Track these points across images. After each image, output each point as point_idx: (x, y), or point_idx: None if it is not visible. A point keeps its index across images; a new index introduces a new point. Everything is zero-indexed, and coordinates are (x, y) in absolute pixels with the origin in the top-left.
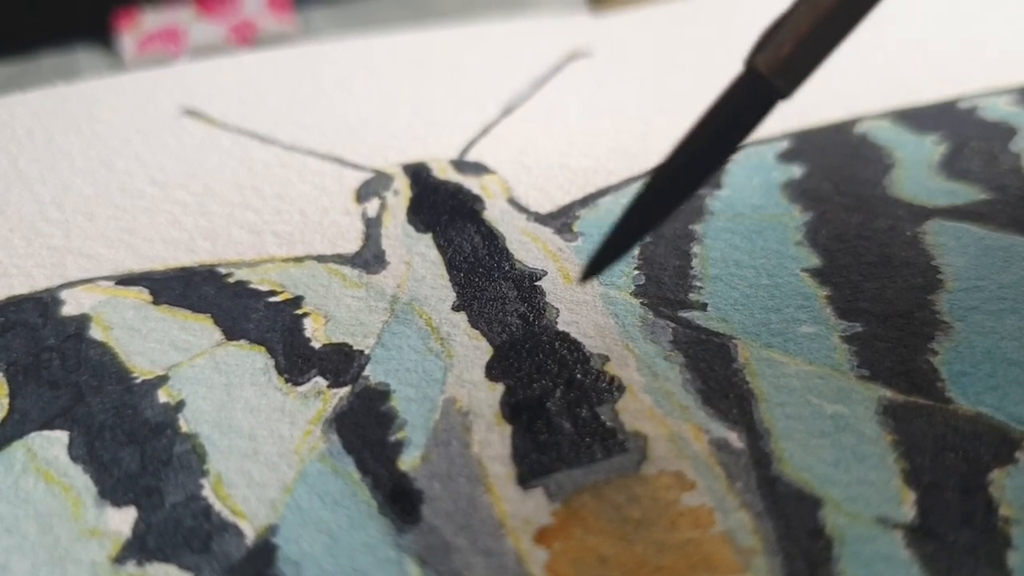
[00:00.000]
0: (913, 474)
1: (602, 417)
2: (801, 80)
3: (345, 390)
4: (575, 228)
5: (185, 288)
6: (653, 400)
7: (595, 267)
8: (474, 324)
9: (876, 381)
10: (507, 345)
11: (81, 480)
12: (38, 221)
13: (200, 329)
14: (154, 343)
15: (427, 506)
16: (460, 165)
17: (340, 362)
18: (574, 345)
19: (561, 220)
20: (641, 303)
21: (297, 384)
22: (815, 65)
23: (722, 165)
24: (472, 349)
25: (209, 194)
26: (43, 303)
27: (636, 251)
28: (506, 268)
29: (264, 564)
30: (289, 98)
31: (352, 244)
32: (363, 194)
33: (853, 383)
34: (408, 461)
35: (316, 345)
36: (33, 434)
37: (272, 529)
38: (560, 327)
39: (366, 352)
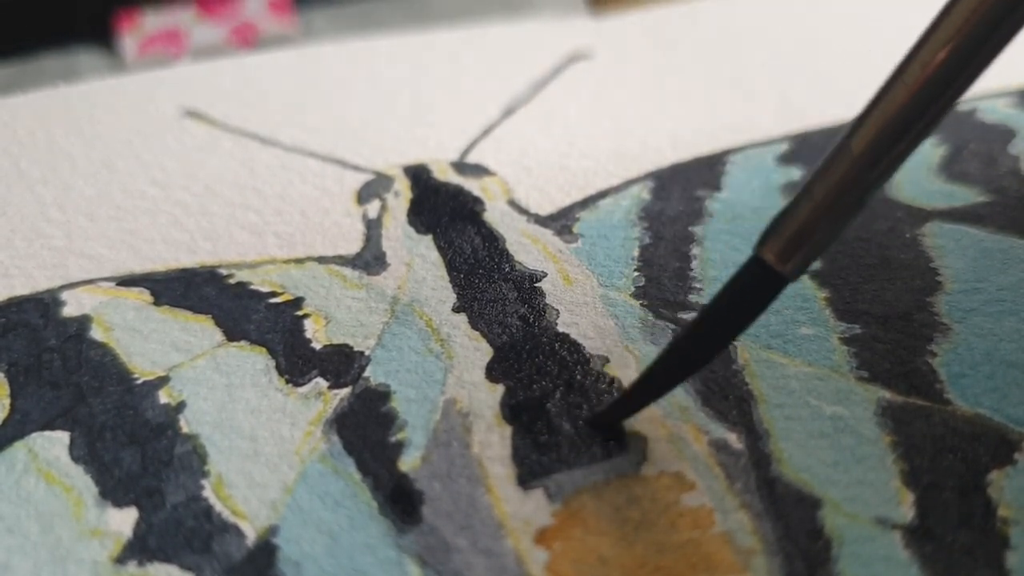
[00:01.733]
0: (912, 475)
1: None
2: (806, 267)
3: (346, 391)
4: (575, 230)
5: (186, 289)
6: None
7: (599, 425)
8: (474, 325)
9: (875, 382)
10: (507, 346)
11: (82, 480)
12: (39, 222)
13: (201, 330)
14: (155, 344)
15: (427, 507)
16: (460, 167)
17: (341, 363)
18: (574, 346)
19: (561, 222)
20: (641, 304)
21: (298, 385)
22: (819, 253)
23: (728, 345)
24: (472, 350)
25: (210, 195)
26: (44, 304)
27: (636, 253)
28: (506, 269)
29: (265, 565)
30: (290, 100)
31: (353, 245)
32: (364, 196)
33: (852, 384)
34: (408, 462)
35: (317, 346)
36: (34, 434)
37: (273, 530)
38: (560, 328)
39: (367, 353)
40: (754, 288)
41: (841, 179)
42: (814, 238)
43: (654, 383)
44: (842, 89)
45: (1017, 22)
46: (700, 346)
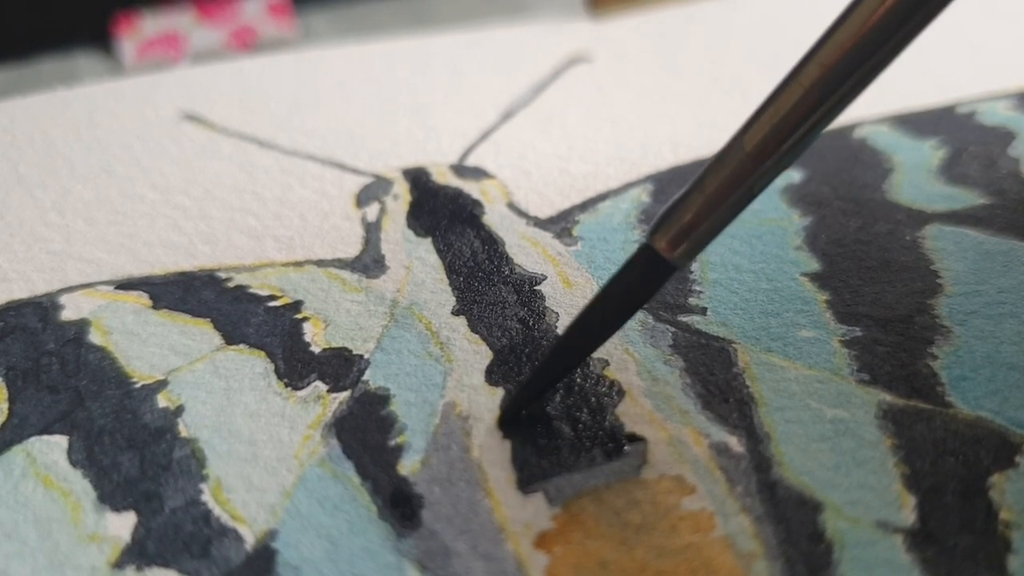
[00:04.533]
0: (913, 478)
1: (603, 422)
2: (693, 256)
3: (345, 394)
4: (574, 233)
5: (185, 293)
6: (653, 404)
7: (505, 417)
8: (474, 328)
9: (876, 385)
10: (507, 349)
11: (80, 485)
12: (38, 226)
13: (200, 334)
14: (154, 348)
15: (427, 510)
16: (460, 170)
17: (340, 366)
18: None
19: (561, 225)
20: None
21: (297, 389)
22: (706, 243)
23: (619, 328)
24: (472, 353)
25: (209, 199)
26: (43, 307)
27: None
28: (506, 272)
29: (264, 569)
30: (289, 103)
31: (352, 249)
32: (363, 199)
33: (853, 387)
34: (408, 465)
35: (316, 350)
36: (33, 439)
37: (272, 534)
38: (560, 331)
39: (366, 356)
40: (644, 275)
41: (731, 174)
42: (702, 229)
43: (549, 370)
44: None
45: (910, 31)
46: (591, 331)
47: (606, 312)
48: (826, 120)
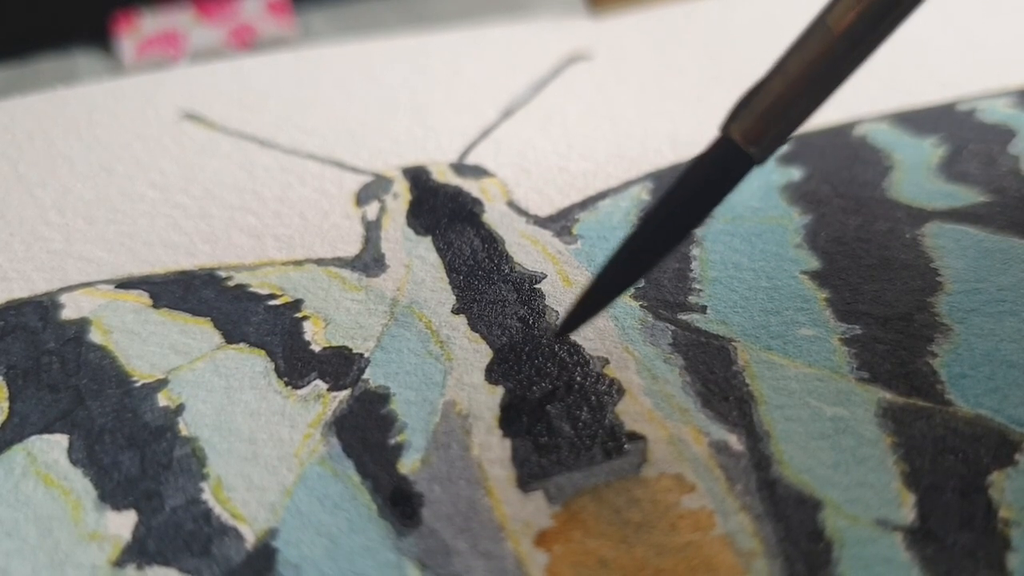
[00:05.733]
0: (913, 476)
1: (603, 420)
2: (774, 148)
3: (345, 393)
4: (574, 231)
5: (185, 292)
6: (653, 403)
7: (571, 324)
8: (474, 327)
9: (876, 383)
10: (507, 348)
11: (81, 484)
12: (38, 225)
13: (200, 333)
14: (154, 347)
15: (427, 509)
16: (459, 168)
17: (340, 365)
18: (574, 348)
19: (560, 223)
20: (641, 306)
21: (297, 387)
22: (788, 134)
23: (695, 229)
24: (472, 352)
25: (209, 198)
26: (43, 307)
27: None
28: (506, 271)
29: (264, 568)
30: (289, 102)
31: (352, 247)
32: (363, 197)
33: (853, 385)
34: (408, 464)
35: (316, 348)
36: (33, 438)
37: (272, 532)
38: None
39: (366, 355)
40: (720, 169)
41: (819, 56)
42: (785, 117)
43: (621, 270)
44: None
45: None
46: (663, 231)
47: (677, 213)
48: None
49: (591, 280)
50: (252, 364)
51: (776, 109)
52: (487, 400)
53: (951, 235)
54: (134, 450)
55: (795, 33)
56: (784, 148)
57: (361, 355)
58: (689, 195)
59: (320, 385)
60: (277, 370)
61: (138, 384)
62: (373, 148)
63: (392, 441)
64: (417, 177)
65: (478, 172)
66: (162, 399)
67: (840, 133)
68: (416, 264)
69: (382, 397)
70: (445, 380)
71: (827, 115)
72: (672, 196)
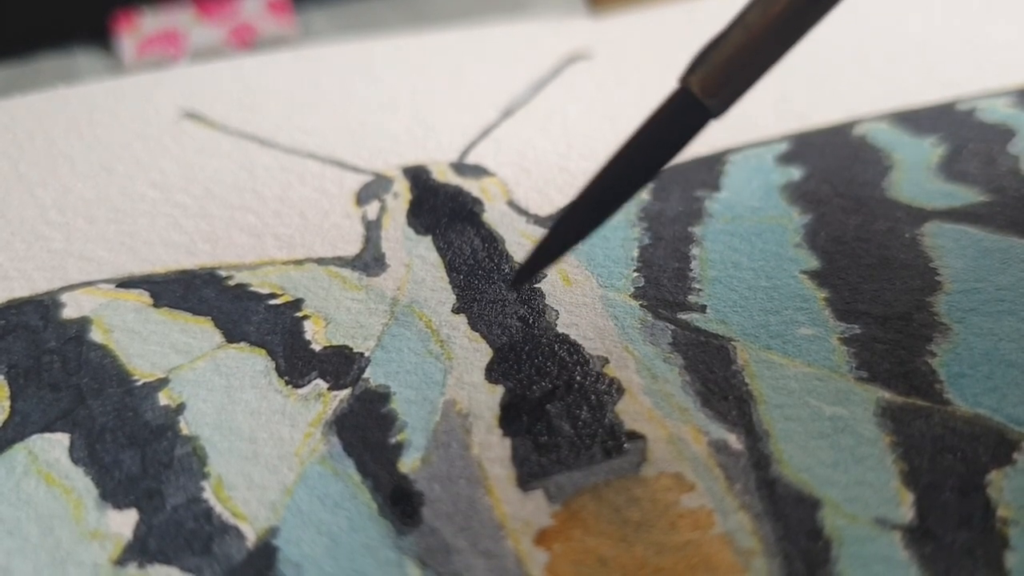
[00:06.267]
0: (911, 475)
1: (602, 419)
2: (732, 101)
3: (345, 392)
4: None
5: (186, 291)
6: (652, 402)
7: (524, 275)
8: (474, 326)
9: (875, 383)
10: (507, 347)
11: (82, 482)
12: (39, 224)
13: (201, 332)
14: (155, 346)
15: (427, 508)
16: (460, 168)
17: (340, 364)
18: (574, 347)
19: None
20: (640, 305)
21: (297, 386)
22: (747, 87)
23: (651, 180)
24: (472, 351)
25: (209, 197)
26: (44, 306)
27: (635, 253)
28: (506, 270)
29: (265, 566)
30: (289, 101)
31: (352, 247)
32: (363, 197)
33: (852, 385)
34: (408, 463)
35: (316, 348)
36: (34, 436)
37: (273, 531)
38: (560, 329)
39: (366, 354)
40: (677, 121)
41: (780, 10)
42: (745, 70)
43: (575, 221)
44: (842, 89)
45: None
46: (619, 182)
47: (633, 164)
48: None
49: (547, 232)
50: (253, 363)
51: (736, 62)
52: (487, 399)
53: (950, 235)
54: (135, 449)
55: None
56: (784, 148)
57: (361, 354)
58: (646, 146)
59: (320, 384)
60: (278, 369)
61: (139, 383)
62: (373, 147)
63: (392, 440)
64: (417, 176)
65: (478, 172)
66: (163, 398)
67: (840, 133)
68: (416, 263)
69: (382, 396)
70: (445, 379)
71: (827, 115)
72: (629, 147)
